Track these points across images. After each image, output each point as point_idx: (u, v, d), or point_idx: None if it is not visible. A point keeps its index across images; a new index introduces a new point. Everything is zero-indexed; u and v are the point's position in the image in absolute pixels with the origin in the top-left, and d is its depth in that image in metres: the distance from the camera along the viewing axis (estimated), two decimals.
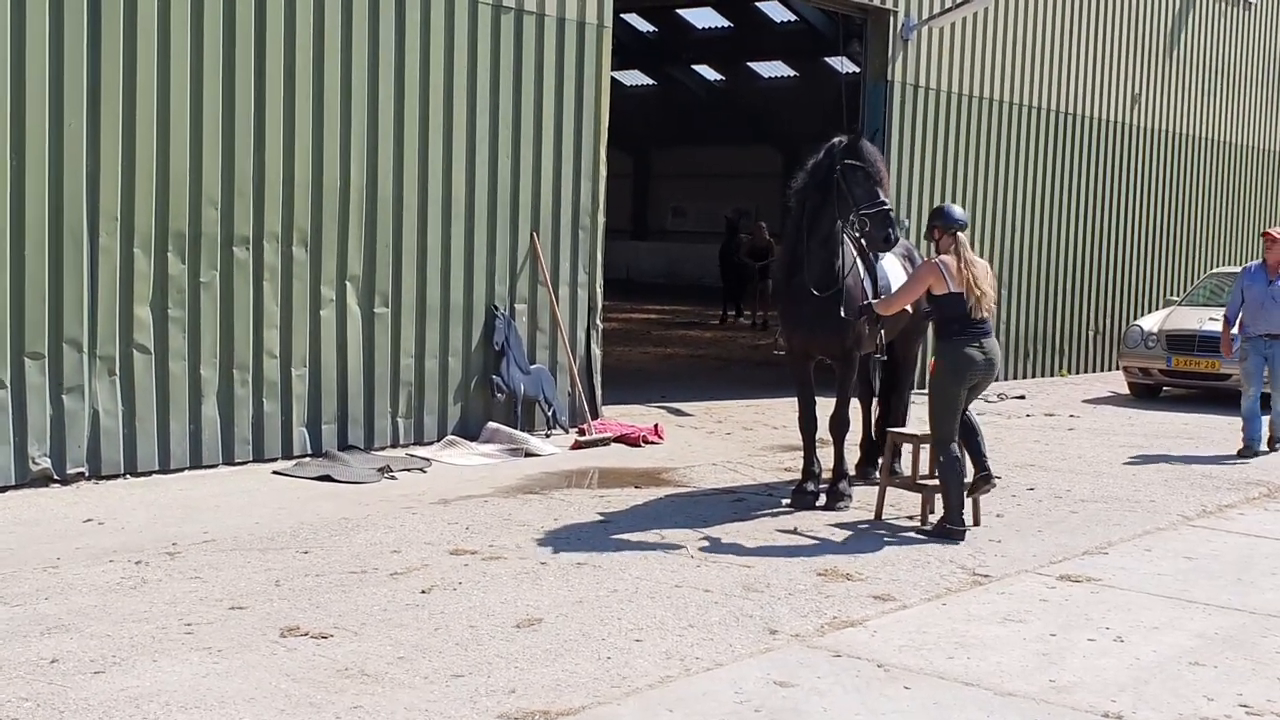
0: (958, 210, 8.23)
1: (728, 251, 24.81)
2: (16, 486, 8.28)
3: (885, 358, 9.27)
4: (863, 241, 8.59)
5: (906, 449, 9.11)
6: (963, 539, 7.80)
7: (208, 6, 8.96)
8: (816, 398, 8.81)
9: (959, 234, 8.02)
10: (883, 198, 8.24)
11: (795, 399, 8.93)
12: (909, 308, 9.02)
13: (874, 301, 8.50)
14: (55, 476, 8.46)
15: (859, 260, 8.77)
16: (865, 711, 4.95)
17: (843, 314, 8.45)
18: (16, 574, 6.43)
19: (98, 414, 8.63)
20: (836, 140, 8.57)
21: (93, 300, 8.57)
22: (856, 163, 8.26)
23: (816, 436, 8.80)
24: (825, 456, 8.95)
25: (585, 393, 11.51)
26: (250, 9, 9.19)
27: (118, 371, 8.71)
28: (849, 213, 8.32)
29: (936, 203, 14.42)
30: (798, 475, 9.01)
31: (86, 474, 8.60)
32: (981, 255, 8.28)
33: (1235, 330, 11.70)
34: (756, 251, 22.98)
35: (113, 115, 8.56)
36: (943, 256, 7.98)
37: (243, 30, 9.15)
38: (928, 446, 8.51)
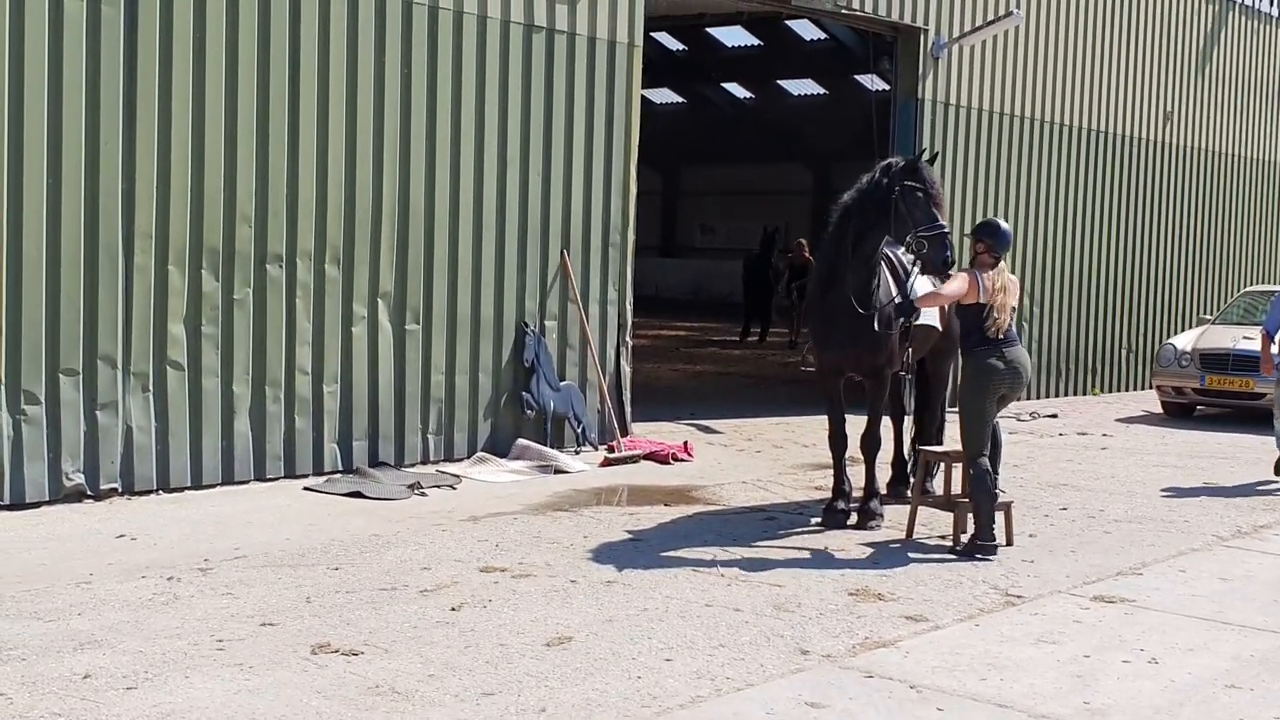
0: (1008, 233, 8.19)
1: (758, 265, 24.21)
2: (50, 502, 8.35)
3: (912, 375, 9.23)
4: (918, 264, 8.53)
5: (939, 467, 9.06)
6: (994, 555, 7.75)
7: (243, 27, 9.04)
8: (846, 416, 8.78)
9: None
10: (941, 221, 8.22)
11: (825, 417, 8.90)
12: (939, 325, 9.00)
13: (917, 297, 8.45)
14: (89, 492, 8.53)
15: (891, 278, 8.74)
16: None
17: (876, 328, 8.41)
18: (50, 589, 6.48)
19: (131, 430, 8.70)
20: (894, 160, 8.56)
21: (127, 317, 8.65)
22: (916, 185, 8.23)
23: (847, 454, 8.77)
24: (856, 475, 8.92)
25: (615, 410, 11.51)
26: (285, 29, 9.27)
27: (151, 388, 8.78)
28: (905, 234, 8.29)
29: (967, 220, 14.40)
30: (828, 494, 8.97)
31: (119, 490, 8.66)
32: (1013, 274, 8.28)
33: (1276, 348, 11.54)
34: (796, 270, 22.30)
35: (148, 134, 8.65)
36: (983, 272, 7.96)
37: (277, 49, 9.24)
38: (960, 465, 8.46)
